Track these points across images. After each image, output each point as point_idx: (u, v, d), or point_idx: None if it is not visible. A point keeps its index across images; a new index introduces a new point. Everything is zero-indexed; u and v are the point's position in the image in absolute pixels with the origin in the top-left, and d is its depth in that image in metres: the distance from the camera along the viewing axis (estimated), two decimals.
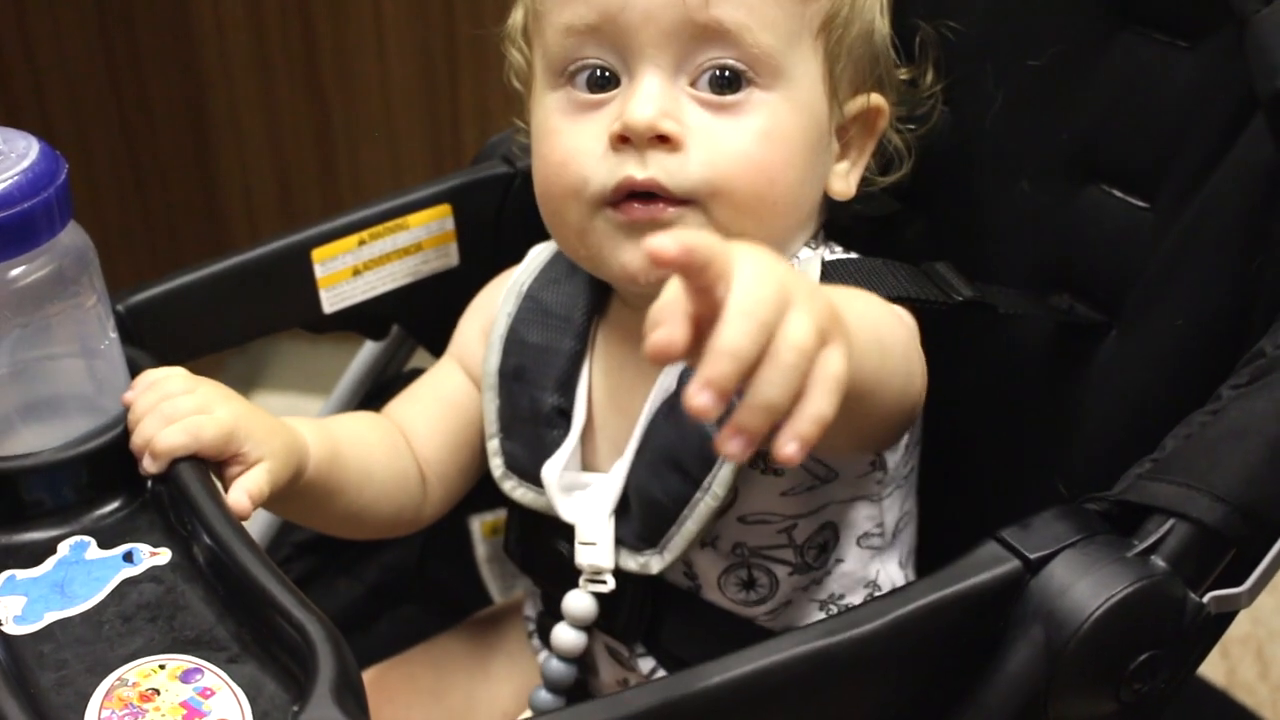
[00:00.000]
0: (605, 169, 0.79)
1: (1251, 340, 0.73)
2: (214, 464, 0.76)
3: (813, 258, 0.83)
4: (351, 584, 1.10)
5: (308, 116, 1.92)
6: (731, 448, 0.55)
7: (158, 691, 0.63)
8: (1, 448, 0.75)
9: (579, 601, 0.86)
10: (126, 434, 0.76)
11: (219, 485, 0.75)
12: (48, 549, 0.73)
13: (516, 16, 0.90)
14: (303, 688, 0.61)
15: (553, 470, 0.86)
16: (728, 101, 0.79)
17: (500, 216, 1.03)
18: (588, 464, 0.88)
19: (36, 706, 0.62)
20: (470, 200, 1.02)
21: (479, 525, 1.10)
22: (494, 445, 0.90)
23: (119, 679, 0.64)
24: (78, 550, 0.73)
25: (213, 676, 0.64)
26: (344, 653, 0.62)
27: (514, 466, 0.89)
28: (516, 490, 0.89)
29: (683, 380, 0.82)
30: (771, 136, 0.79)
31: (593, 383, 0.88)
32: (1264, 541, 0.68)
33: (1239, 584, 0.69)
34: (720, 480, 0.80)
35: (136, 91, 1.87)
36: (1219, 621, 0.70)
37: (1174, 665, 0.68)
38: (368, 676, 0.98)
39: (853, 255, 0.86)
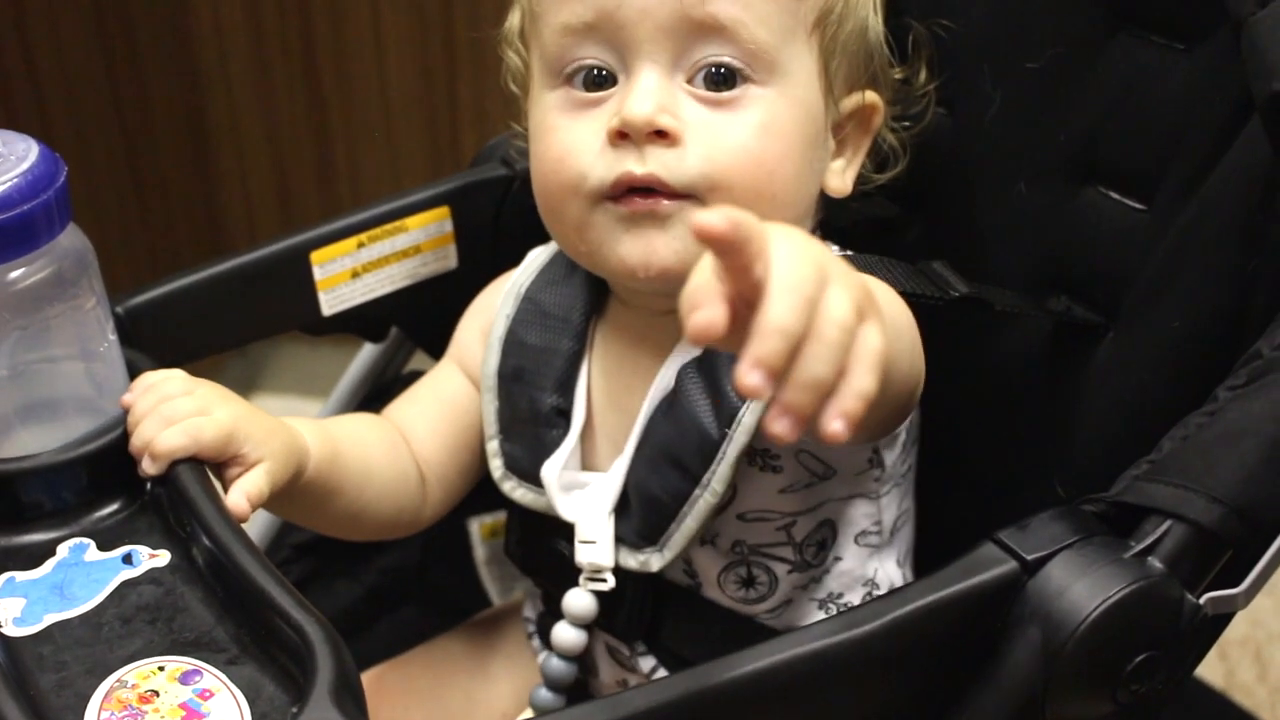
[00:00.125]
0: (604, 164, 0.79)
1: (1248, 342, 0.73)
2: (213, 465, 0.76)
3: None
4: (351, 586, 1.10)
5: (306, 119, 1.92)
6: (780, 428, 0.55)
7: (157, 693, 0.63)
8: (1, 450, 0.75)
9: (579, 600, 0.86)
10: (126, 436, 0.76)
11: (218, 487, 0.75)
12: (47, 551, 0.73)
13: (513, 19, 0.90)
14: (302, 689, 0.61)
15: (552, 469, 0.86)
16: (724, 97, 0.79)
17: (499, 219, 1.03)
18: (587, 463, 0.88)
19: (36, 708, 0.62)
20: (469, 203, 1.02)
21: (478, 527, 1.10)
22: (493, 446, 0.90)
23: (118, 681, 0.64)
24: (77, 552, 0.73)
25: (212, 678, 0.64)
26: (343, 654, 0.62)
27: (514, 467, 0.89)
28: (516, 491, 0.89)
29: (681, 377, 0.82)
30: (769, 130, 0.80)
31: (591, 382, 0.88)
32: (1260, 543, 0.68)
33: (1236, 585, 0.69)
34: (719, 477, 0.80)
35: (136, 94, 1.87)
36: (1216, 623, 0.70)
37: (1171, 666, 0.69)
38: (367, 678, 0.98)
39: (848, 252, 0.87)
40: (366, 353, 1.11)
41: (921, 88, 0.90)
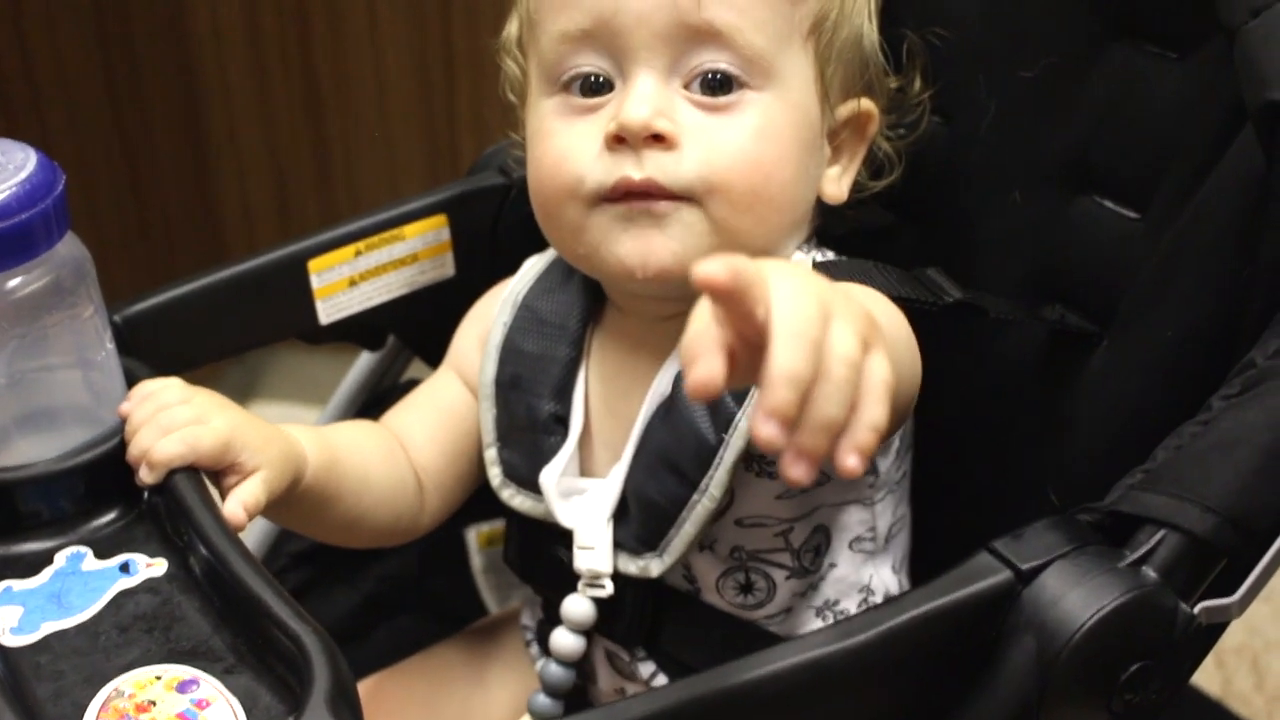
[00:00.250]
0: (601, 168, 0.79)
1: (1242, 350, 0.73)
2: (211, 474, 0.76)
3: (804, 260, 0.85)
4: (348, 593, 1.10)
5: (305, 126, 1.92)
6: (796, 473, 0.55)
7: (154, 702, 0.63)
8: None
9: (578, 606, 0.87)
10: (123, 445, 0.76)
11: (215, 496, 0.75)
12: (44, 560, 0.73)
13: (511, 28, 0.90)
14: (298, 698, 0.61)
15: (551, 476, 0.86)
16: (720, 102, 0.80)
17: (496, 227, 1.03)
18: (585, 470, 0.88)
19: (34, 717, 0.63)
20: (466, 211, 1.02)
21: (475, 536, 1.10)
22: (491, 454, 0.90)
23: (115, 690, 0.64)
24: (74, 561, 0.73)
25: (209, 687, 0.64)
26: (339, 663, 0.62)
27: (512, 475, 0.90)
28: (515, 498, 0.89)
29: (677, 383, 0.82)
30: (765, 133, 0.80)
31: (589, 389, 0.89)
32: (1254, 552, 0.69)
33: (1230, 594, 0.69)
34: (717, 482, 0.80)
35: (134, 101, 1.88)
36: (1210, 632, 0.70)
37: (1166, 676, 0.69)
38: (364, 687, 0.99)
39: (843, 258, 0.87)
40: (364, 361, 1.11)
41: (916, 96, 0.91)
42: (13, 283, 0.73)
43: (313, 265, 0.97)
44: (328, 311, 0.98)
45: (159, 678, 0.65)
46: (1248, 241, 0.76)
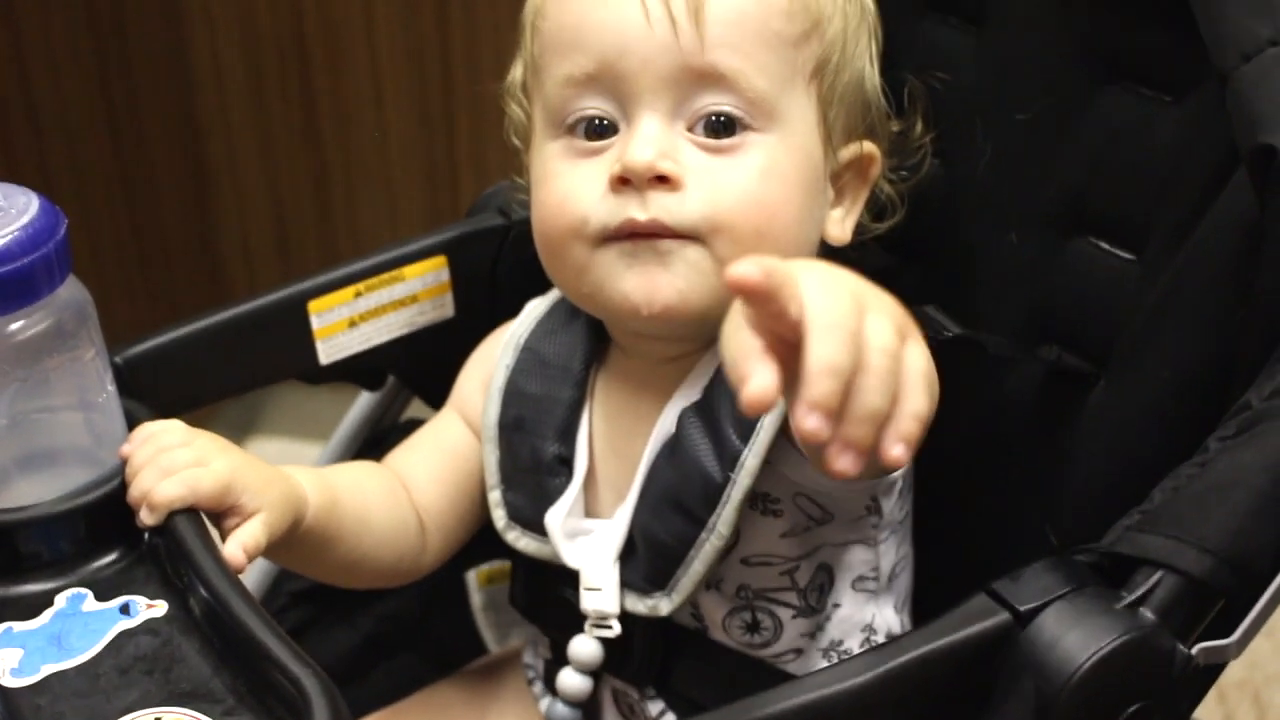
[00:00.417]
0: (606, 209, 0.80)
1: (1238, 392, 0.73)
2: (211, 516, 0.76)
3: None
4: (349, 633, 1.10)
5: (305, 166, 1.93)
6: (843, 464, 0.55)
7: None
8: None
9: (585, 647, 0.87)
10: (124, 486, 0.76)
11: (215, 538, 0.75)
12: (45, 601, 0.73)
13: (516, 73, 0.91)
14: None
15: (556, 517, 0.86)
16: (724, 144, 0.80)
17: (495, 268, 1.03)
18: (590, 511, 0.88)
19: None
20: (466, 252, 1.02)
21: (475, 574, 1.10)
22: (495, 497, 0.90)
23: None
24: (75, 602, 0.73)
25: None
26: (338, 704, 0.62)
27: (517, 517, 0.90)
28: (520, 540, 0.89)
29: (682, 422, 0.83)
30: (769, 174, 0.80)
31: (593, 430, 0.89)
32: (1252, 593, 0.69)
33: (1228, 635, 0.69)
34: (724, 519, 0.80)
35: (135, 139, 1.88)
36: (1209, 671, 0.70)
37: (1164, 715, 0.69)
38: None
39: None
40: (364, 400, 1.12)
41: (918, 139, 0.91)
42: (14, 326, 0.73)
43: (313, 306, 0.97)
44: (328, 352, 0.99)
45: (159, 719, 0.65)
46: (1243, 283, 0.77)
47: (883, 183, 0.90)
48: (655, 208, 0.79)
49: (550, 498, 0.87)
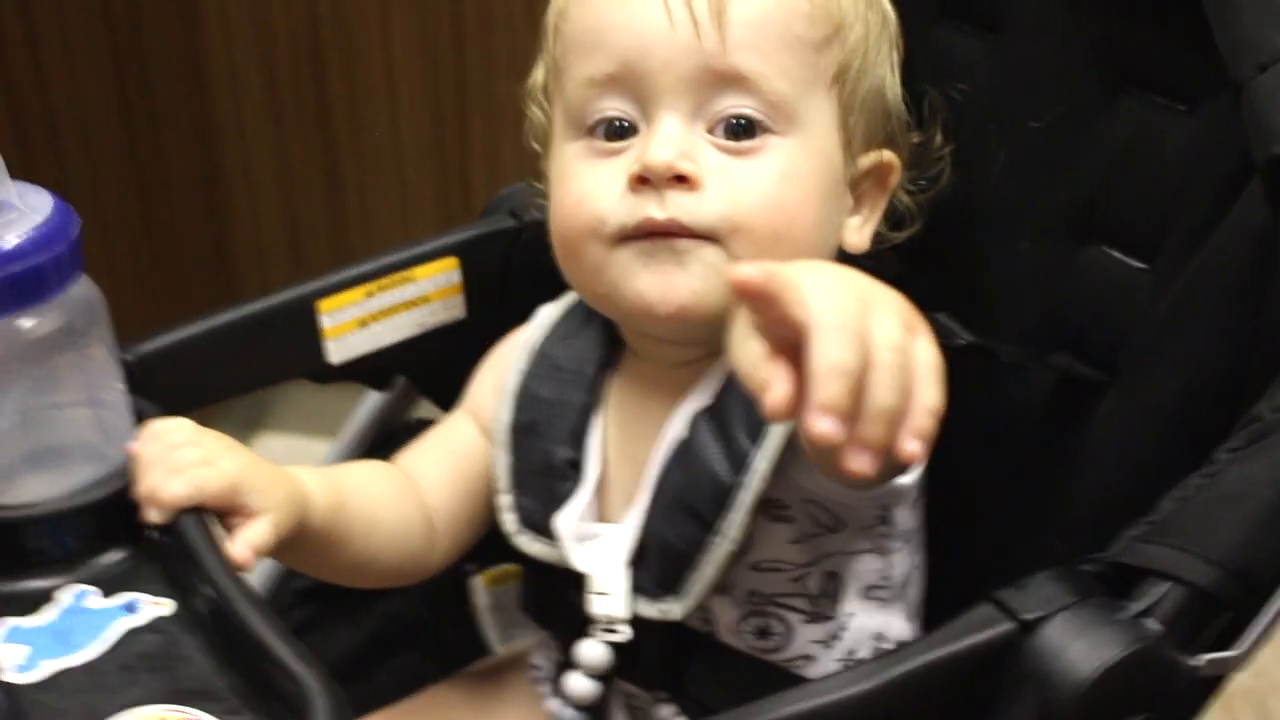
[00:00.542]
0: (624, 208, 0.80)
1: (1248, 402, 0.73)
2: (218, 515, 0.76)
3: None
4: (352, 632, 1.10)
5: (319, 166, 1.94)
6: (859, 465, 0.55)
7: None
8: (6, 496, 0.75)
9: (593, 651, 0.87)
10: (131, 484, 0.76)
11: (221, 537, 0.75)
12: (50, 598, 0.73)
13: (537, 75, 0.91)
14: None
15: (567, 521, 0.86)
16: (744, 147, 0.80)
17: (507, 270, 1.03)
18: (601, 515, 0.88)
19: None
20: (477, 253, 1.03)
21: (480, 576, 1.10)
22: (506, 501, 0.90)
23: None
24: (80, 599, 0.73)
25: None
26: (341, 706, 0.62)
27: (527, 520, 0.90)
28: (530, 544, 0.89)
29: (693, 426, 0.83)
30: (789, 177, 0.80)
31: (604, 434, 0.89)
32: (1258, 605, 0.69)
33: (1233, 647, 0.69)
34: (735, 524, 0.80)
35: (150, 139, 1.89)
36: (1214, 682, 0.70)
37: None
38: None
39: None
40: (372, 399, 1.12)
41: (938, 151, 0.91)
42: (26, 324, 0.73)
43: (323, 306, 0.97)
44: (338, 352, 0.99)
45: (162, 718, 0.65)
46: (1254, 294, 0.76)
47: (901, 193, 0.90)
48: (673, 207, 0.79)
49: (560, 502, 0.87)
